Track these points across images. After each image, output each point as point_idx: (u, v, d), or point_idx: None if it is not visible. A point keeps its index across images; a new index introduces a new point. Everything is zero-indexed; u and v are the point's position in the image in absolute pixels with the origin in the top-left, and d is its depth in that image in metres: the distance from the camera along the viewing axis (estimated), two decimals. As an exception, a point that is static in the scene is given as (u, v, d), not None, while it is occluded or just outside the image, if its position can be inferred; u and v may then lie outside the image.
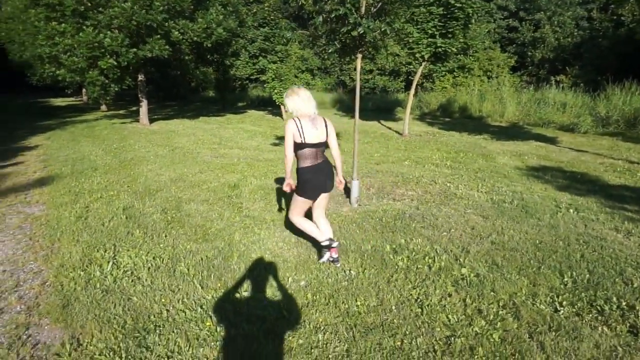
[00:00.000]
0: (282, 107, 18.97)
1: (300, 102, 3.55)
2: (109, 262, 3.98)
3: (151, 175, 7.56)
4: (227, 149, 10.59)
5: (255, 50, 19.50)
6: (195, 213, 5.45)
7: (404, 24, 6.85)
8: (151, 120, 16.71)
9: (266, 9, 19.59)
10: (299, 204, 3.85)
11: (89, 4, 12.66)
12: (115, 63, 13.10)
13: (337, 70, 29.14)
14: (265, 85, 20.06)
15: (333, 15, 5.62)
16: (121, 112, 22.29)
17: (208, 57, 18.76)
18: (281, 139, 12.61)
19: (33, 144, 11.85)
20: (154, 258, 4.09)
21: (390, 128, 15.66)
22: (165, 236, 4.64)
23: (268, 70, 18.76)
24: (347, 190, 6.46)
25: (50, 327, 3.03)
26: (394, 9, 5.96)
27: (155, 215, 5.31)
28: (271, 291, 3.51)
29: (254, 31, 19.08)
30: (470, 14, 11.74)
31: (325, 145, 3.71)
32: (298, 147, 3.58)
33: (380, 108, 22.97)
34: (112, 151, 10.15)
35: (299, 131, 3.52)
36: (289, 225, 4.92)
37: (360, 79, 26.43)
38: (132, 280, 3.67)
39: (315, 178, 3.68)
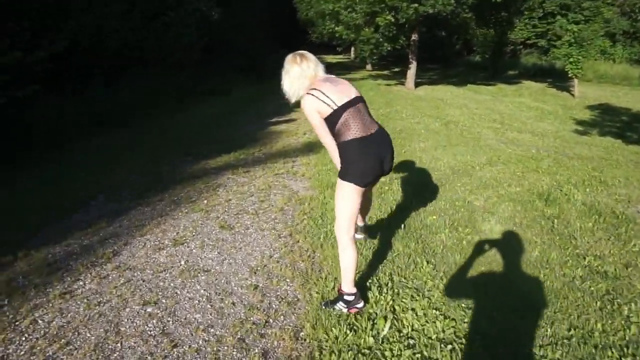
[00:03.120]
0: (575, 79, 14.93)
1: (307, 68, 2.44)
2: (386, 318, 2.52)
3: (426, 159, 6.00)
4: (515, 131, 8.21)
5: (553, 7, 15.67)
6: (501, 242, 3.57)
7: None
8: (415, 84, 15.38)
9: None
10: (348, 197, 2.41)
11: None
12: (393, 20, 11.96)
13: (657, 36, 21.85)
14: (550, 53, 16.18)
15: None
16: (385, 72, 21.87)
17: (487, 16, 16.04)
18: (584, 124, 9.39)
19: (305, 100, 11.95)
20: (454, 333, 2.43)
21: None
22: (462, 285, 2.92)
23: (566, 33, 14.85)
24: None
25: None
26: None
27: (443, 234, 3.66)
28: None
29: (557, -18, 15.25)
30: None
31: (363, 100, 2.50)
32: (332, 119, 2.35)
33: None
34: (380, 117, 9.06)
35: (320, 99, 2.34)
36: None
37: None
38: (424, 379, 2.09)
39: (366, 153, 2.38)
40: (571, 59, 14.44)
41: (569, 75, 14.87)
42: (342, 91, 2.39)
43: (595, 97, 14.91)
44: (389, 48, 13.12)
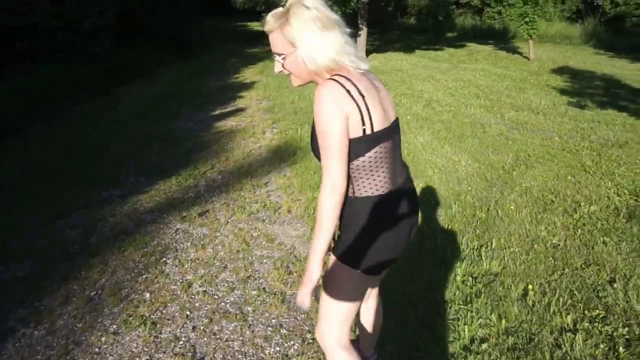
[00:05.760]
0: (530, 41, 14.13)
1: (332, 36, 1.29)
2: None
3: (442, 163, 4.52)
4: (511, 109, 6.95)
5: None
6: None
7: None
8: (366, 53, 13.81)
9: None
10: (349, 290, 1.43)
11: None
12: (343, -22, 10.18)
13: (589, -9, 21.85)
14: (485, 12, 15.31)
15: None
16: (323, 40, 19.92)
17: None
18: (569, 94, 8.40)
19: (248, 80, 9.99)
20: None
21: None
22: None
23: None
24: None
25: None
26: None
27: (570, 326, 2.18)
28: None
29: None
30: None
31: (399, 127, 1.43)
32: (357, 148, 1.28)
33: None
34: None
35: (355, 101, 1.24)
36: None
37: None
38: None
39: (392, 220, 1.39)
40: (526, 19, 13.54)
41: (525, 38, 14.02)
42: (384, 107, 1.34)
43: (549, 58, 14.26)
44: (338, 12, 11.33)
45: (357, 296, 1.45)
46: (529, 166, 4.43)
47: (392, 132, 1.35)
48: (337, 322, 1.45)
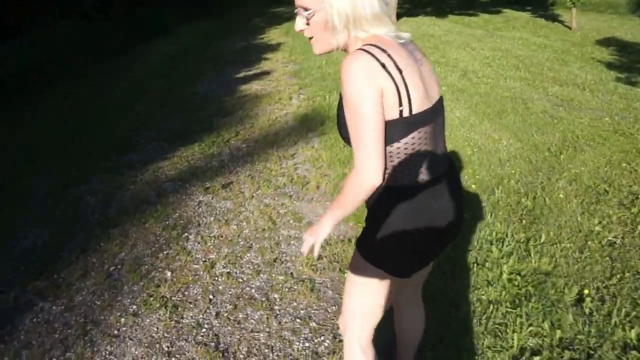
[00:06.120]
0: (573, 9, 13.22)
1: None
2: None
3: (481, 141, 4.21)
4: (554, 84, 6.48)
5: None
6: None
7: None
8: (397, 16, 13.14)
9: None
10: (372, 288, 1.27)
11: None
12: None
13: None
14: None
15: None
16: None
17: None
18: (616, 68, 7.81)
19: (273, 41, 9.60)
20: None
21: None
22: None
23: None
24: None
25: None
26: None
27: None
28: None
29: None
30: None
31: (443, 107, 1.22)
32: (392, 132, 1.07)
33: None
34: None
35: (393, 82, 1.03)
36: None
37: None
38: None
39: (426, 218, 1.17)
40: (571, -18, 12.61)
41: (568, 5, 13.11)
42: (426, 84, 1.12)
43: (593, 28, 13.36)
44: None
45: (381, 294, 1.29)
46: (578, 149, 4.08)
47: (434, 114, 1.15)
48: (359, 315, 1.32)
